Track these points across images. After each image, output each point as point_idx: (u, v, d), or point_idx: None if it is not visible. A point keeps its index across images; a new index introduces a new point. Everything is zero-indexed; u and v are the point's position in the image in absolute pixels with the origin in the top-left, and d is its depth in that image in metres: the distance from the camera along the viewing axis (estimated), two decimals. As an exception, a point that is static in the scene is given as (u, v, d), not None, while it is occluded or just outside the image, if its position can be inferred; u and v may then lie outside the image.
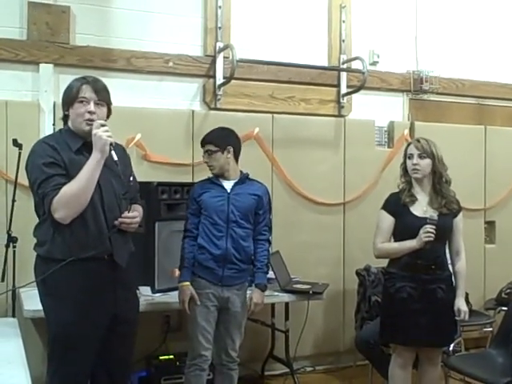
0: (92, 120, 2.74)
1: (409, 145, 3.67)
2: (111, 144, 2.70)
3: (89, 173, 2.66)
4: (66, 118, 2.84)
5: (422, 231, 3.40)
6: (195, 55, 4.63)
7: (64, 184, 2.65)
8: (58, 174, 2.67)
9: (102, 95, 2.80)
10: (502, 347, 3.73)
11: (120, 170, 2.81)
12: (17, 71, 4.15)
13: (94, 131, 2.69)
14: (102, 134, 2.67)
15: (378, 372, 4.10)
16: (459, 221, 3.62)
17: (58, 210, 2.64)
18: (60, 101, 2.90)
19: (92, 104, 2.75)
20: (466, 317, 3.57)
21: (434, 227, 3.40)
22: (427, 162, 3.54)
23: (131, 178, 2.98)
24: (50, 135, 2.89)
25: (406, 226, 3.50)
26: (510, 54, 5.78)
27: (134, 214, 2.86)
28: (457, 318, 3.57)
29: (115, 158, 2.75)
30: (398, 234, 3.55)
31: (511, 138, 5.63)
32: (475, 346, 4.86)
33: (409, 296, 3.45)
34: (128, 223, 2.81)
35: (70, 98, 2.77)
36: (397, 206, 3.54)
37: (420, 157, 3.54)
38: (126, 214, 2.81)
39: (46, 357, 2.94)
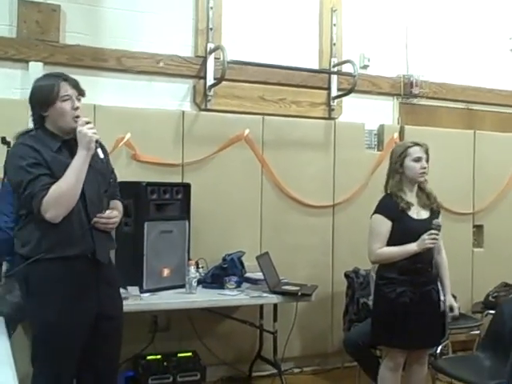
0: (78, 116, 2.73)
1: (408, 148, 3.58)
2: (97, 141, 2.70)
3: (76, 171, 2.65)
4: (40, 120, 2.78)
5: (426, 236, 3.40)
6: (186, 56, 4.63)
7: (51, 183, 2.63)
8: (43, 173, 2.65)
9: (80, 89, 2.79)
10: (489, 350, 3.74)
11: (104, 167, 2.84)
12: (6, 69, 4.14)
13: (78, 128, 2.69)
14: (88, 131, 2.67)
15: (366, 373, 4.10)
16: (440, 219, 3.65)
17: (49, 209, 2.62)
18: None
19: (75, 100, 2.75)
20: (458, 312, 3.64)
21: (438, 233, 3.43)
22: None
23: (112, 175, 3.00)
24: (28, 135, 2.82)
25: (406, 230, 3.48)
26: (500, 59, 5.82)
27: (111, 215, 2.83)
28: (450, 315, 3.61)
29: (101, 155, 2.76)
30: (396, 238, 3.50)
31: (500, 142, 5.65)
32: (462, 349, 4.86)
33: (410, 300, 3.45)
34: (103, 223, 2.79)
35: (52, 97, 2.72)
36: (395, 210, 3.51)
37: (427, 161, 3.57)
38: (101, 214, 2.78)
39: (32, 357, 2.92)
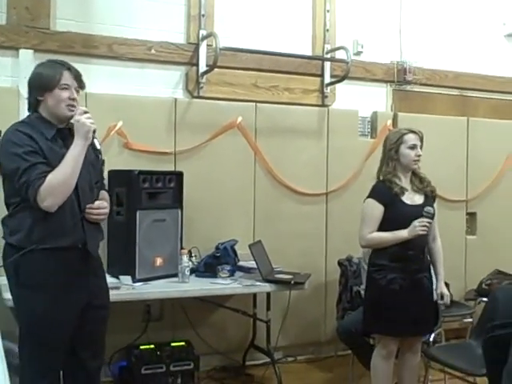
0: (73, 106, 2.73)
1: (404, 135, 3.55)
2: (94, 131, 2.70)
3: (74, 160, 2.64)
4: (36, 104, 2.78)
5: (417, 223, 3.38)
6: (178, 43, 4.57)
7: (48, 172, 2.61)
8: (40, 162, 2.63)
9: (81, 82, 2.81)
10: (482, 338, 3.74)
11: (95, 158, 2.84)
12: (-4, 56, 4.09)
13: (76, 117, 2.67)
14: (86, 120, 2.66)
15: (359, 360, 4.11)
16: (435, 206, 3.63)
17: (46, 198, 2.59)
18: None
19: (74, 91, 2.75)
20: (448, 300, 3.64)
21: (430, 221, 3.41)
22: None
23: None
24: (21, 123, 2.80)
25: (398, 216, 3.46)
26: (494, 45, 5.79)
27: (101, 205, 2.83)
28: (440, 302, 3.61)
29: (98, 146, 2.78)
30: (388, 224, 3.48)
31: (494, 129, 5.63)
32: (455, 337, 4.89)
33: (400, 288, 3.44)
34: (95, 214, 2.79)
35: (51, 83, 2.71)
36: (388, 195, 3.49)
37: (421, 148, 3.55)
38: (91, 205, 2.79)
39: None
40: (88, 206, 2.77)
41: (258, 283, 4.02)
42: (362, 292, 3.92)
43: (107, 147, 4.08)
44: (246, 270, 4.26)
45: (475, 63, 5.68)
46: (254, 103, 4.78)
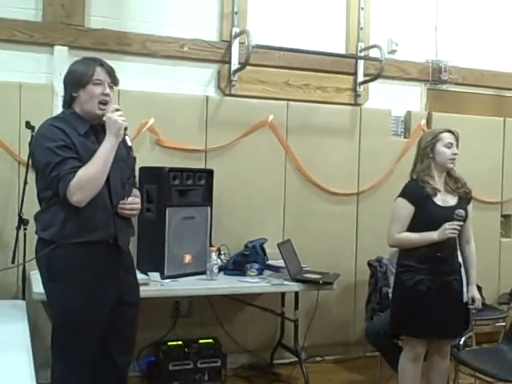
0: (105, 102, 2.75)
1: (440, 133, 3.52)
2: (125, 128, 2.71)
3: (104, 156, 2.66)
4: (70, 100, 2.81)
5: (447, 226, 3.33)
6: (211, 40, 4.58)
7: (79, 167, 2.63)
8: (71, 157, 2.66)
9: (114, 78, 2.83)
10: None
11: (126, 154, 2.85)
12: (31, 53, 4.13)
13: (108, 114, 2.69)
14: (118, 118, 2.68)
15: (388, 363, 4.06)
16: (471, 208, 3.58)
17: (75, 193, 2.61)
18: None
19: (107, 86, 2.77)
20: (480, 304, 3.57)
21: (461, 223, 3.36)
22: None
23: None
24: (55, 118, 2.85)
25: (429, 216, 3.41)
26: (532, 44, 5.67)
27: (134, 201, 2.87)
28: (470, 307, 3.55)
29: (129, 143, 2.80)
30: (418, 224, 3.44)
31: (531, 130, 5.53)
32: (487, 341, 4.79)
33: (428, 289, 3.40)
34: (128, 209, 2.83)
35: (85, 79, 2.74)
36: (420, 195, 3.44)
37: (457, 147, 3.51)
38: (124, 201, 2.81)
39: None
40: (121, 202, 2.80)
41: (286, 282, 4.01)
42: (391, 294, 3.88)
43: (139, 144, 4.11)
44: (275, 269, 4.25)
45: (513, 62, 5.58)
46: (286, 101, 4.76)
